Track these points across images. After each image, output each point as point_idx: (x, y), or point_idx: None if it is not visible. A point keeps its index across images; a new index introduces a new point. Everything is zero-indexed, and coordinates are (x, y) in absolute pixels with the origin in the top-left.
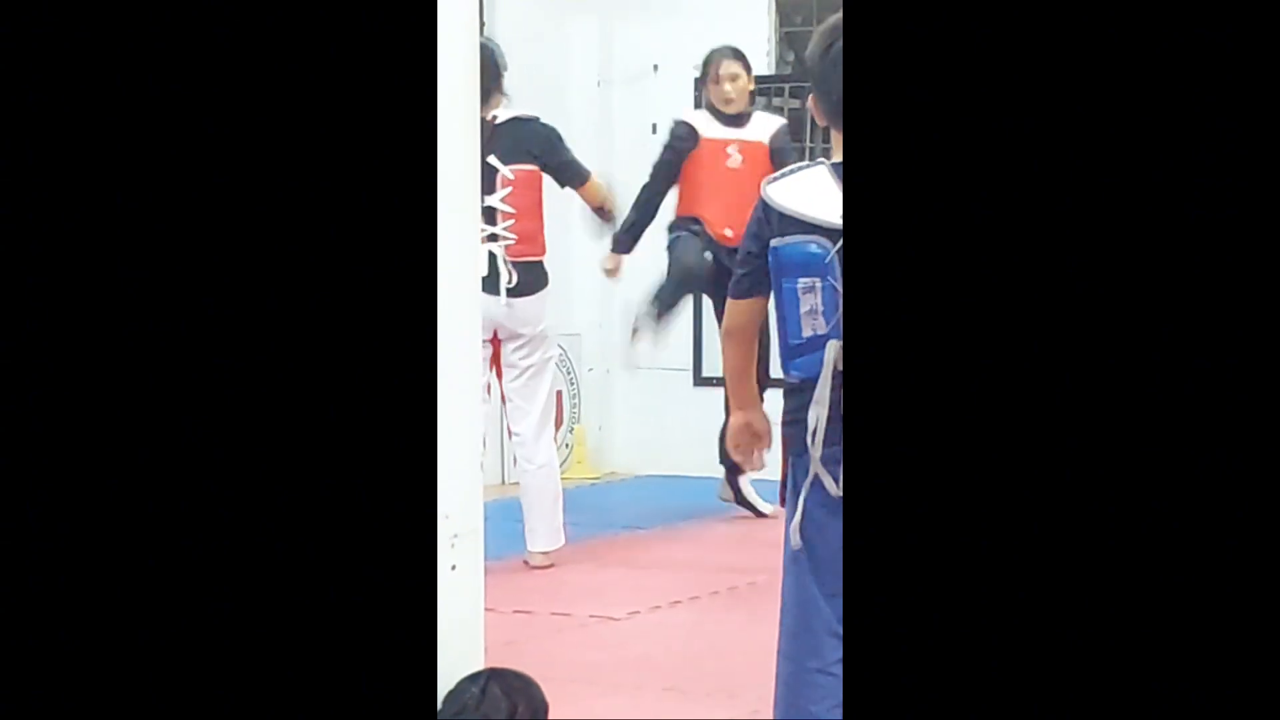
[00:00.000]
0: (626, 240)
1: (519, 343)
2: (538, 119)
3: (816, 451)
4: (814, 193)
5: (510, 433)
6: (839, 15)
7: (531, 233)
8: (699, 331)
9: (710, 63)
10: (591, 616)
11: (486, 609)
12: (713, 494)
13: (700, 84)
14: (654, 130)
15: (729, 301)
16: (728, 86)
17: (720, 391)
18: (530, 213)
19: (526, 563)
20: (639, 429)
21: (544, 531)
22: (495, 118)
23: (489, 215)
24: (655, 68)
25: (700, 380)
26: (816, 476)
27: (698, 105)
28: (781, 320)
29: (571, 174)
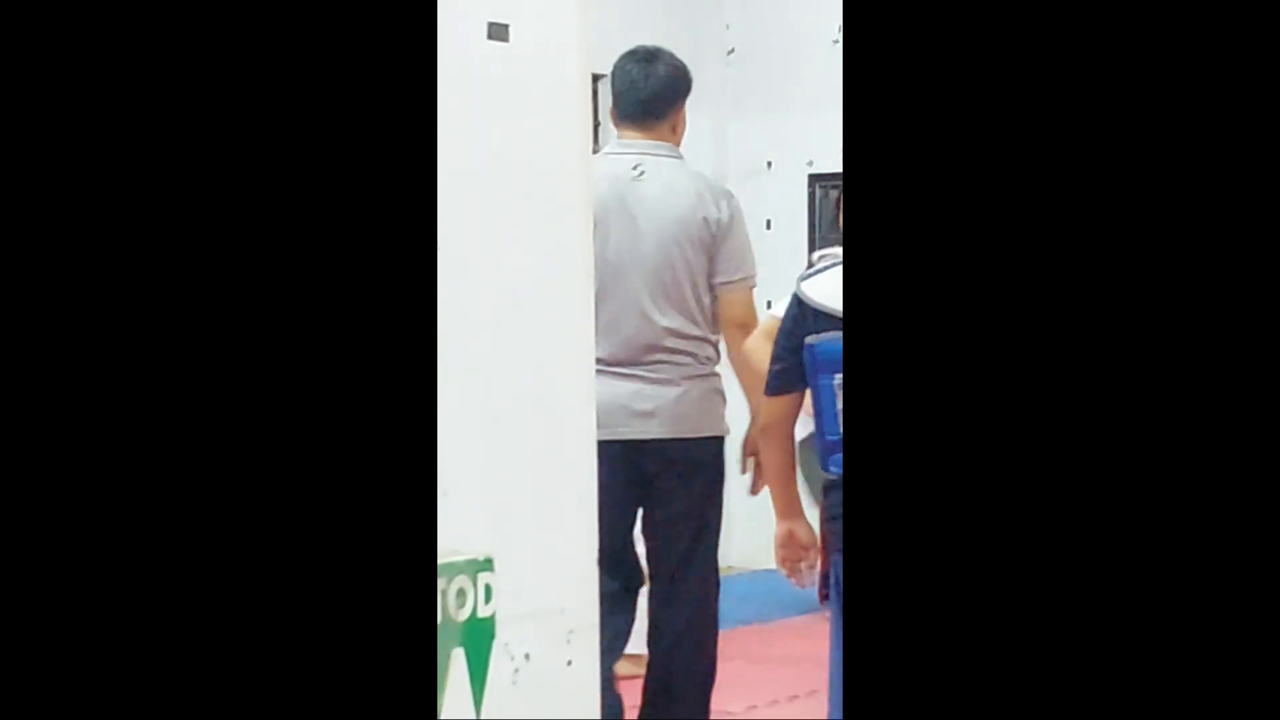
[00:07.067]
0: None
1: None
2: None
3: None
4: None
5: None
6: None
7: None
8: None
9: None
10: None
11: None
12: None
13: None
14: (768, 226)
15: (765, 400)
16: None
17: None
18: None
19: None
20: (756, 525)
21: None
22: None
23: None
24: (769, 164)
25: None
26: None
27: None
28: (819, 416)
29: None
